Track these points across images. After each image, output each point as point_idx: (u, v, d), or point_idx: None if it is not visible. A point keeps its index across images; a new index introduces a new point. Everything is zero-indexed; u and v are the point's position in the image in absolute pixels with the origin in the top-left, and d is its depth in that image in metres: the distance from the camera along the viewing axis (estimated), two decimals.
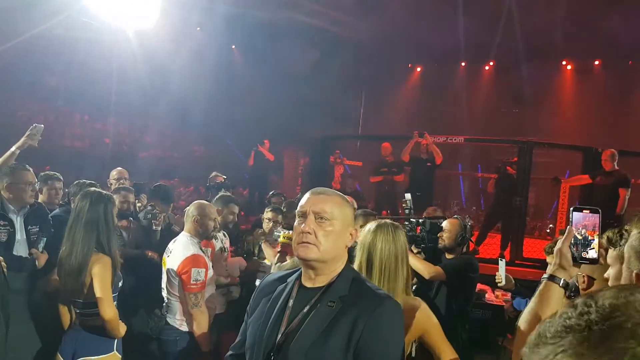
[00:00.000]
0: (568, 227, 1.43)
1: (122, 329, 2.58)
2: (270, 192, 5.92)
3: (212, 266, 3.57)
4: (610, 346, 0.57)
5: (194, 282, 2.86)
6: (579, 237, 1.39)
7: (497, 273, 3.21)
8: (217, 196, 4.23)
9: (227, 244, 3.90)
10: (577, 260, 1.40)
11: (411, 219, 3.79)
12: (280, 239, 3.08)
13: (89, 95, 11.37)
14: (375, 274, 2.01)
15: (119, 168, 4.89)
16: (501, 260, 3.19)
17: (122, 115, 13.24)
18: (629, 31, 9.30)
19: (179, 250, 2.99)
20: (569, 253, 1.40)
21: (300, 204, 1.51)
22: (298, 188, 10.45)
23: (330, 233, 1.46)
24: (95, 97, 11.68)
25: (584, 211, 1.41)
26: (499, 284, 3.24)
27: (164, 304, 3.08)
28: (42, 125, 3.57)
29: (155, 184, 5.07)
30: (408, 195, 4.35)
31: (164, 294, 3.07)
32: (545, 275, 1.46)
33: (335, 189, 8.69)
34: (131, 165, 4.99)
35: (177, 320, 2.98)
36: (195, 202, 3.26)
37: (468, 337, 3.34)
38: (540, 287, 1.44)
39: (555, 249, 1.46)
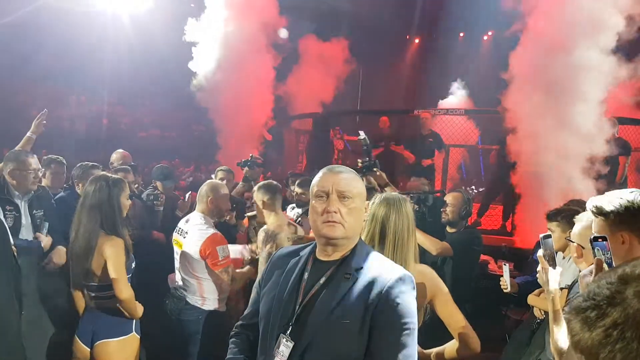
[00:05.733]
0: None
1: (140, 309, 2.59)
2: (289, 172, 5.97)
3: None
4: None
5: (223, 259, 2.92)
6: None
7: (501, 279, 3.11)
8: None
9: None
10: None
11: (411, 194, 3.79)
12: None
13: (83, 75, 11.21)
14: (388, 245, 2.06)
15: (120, 150, 4.80)
16: (505, 265, 3.08)
17: (117, 95, 13.08)
18: None
19: (195, 233, 2.99)
20: None
21: (319, 183, 1.50)
22: (299, 165, 10.39)
23: (353, 210, 1.48)
24: (90, 77, 11.50)
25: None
26: (504, 290, 3.13)
27: (179, 284, 3.10)
28: (46, 110, 3.64)
29: (156, 165, 5.05)
30: (362, 134, 4.28)
31: (180, 275, 3.08)
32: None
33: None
34: (130, 146, 4.92)
35: (199, 300, 3.01)
36: (209, 181, 3.28)
37: (472, 309, 3.36)
38: None
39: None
